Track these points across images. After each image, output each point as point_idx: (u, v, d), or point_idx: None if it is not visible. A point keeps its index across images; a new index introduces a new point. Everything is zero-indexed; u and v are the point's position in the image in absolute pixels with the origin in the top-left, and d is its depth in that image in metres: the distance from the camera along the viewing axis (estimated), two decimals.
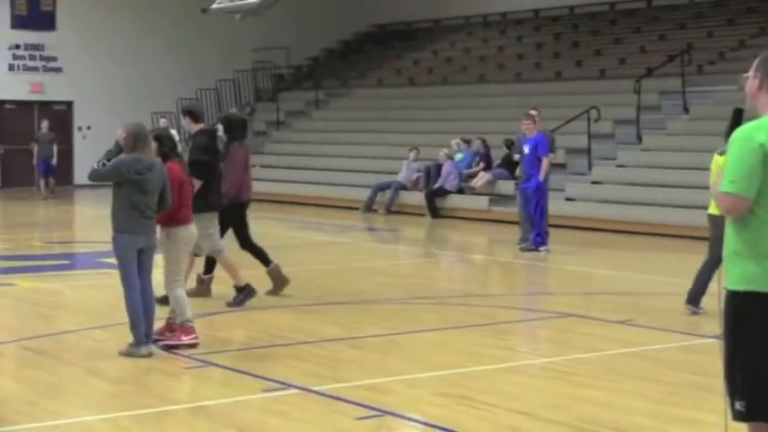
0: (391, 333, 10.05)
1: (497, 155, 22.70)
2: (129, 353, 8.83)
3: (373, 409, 7.26)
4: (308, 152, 28.28)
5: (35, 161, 27.67)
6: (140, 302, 8.84)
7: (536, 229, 16.42)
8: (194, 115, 11.36)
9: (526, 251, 16.34)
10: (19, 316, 11.29)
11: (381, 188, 23.74)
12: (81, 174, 31.57)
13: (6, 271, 13.79)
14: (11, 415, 7.15)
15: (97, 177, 8.87)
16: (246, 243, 12.03)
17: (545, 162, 16.29)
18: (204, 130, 11.37)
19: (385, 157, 25.79)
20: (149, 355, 8.79)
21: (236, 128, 12.08)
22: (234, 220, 11.86)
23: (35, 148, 27.62)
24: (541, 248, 16.31)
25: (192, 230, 9.48)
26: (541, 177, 16.29)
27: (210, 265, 11.82)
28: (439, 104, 27.77)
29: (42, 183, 27.50)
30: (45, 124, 28.04)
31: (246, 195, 12.01)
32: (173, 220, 9.24)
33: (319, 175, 26.41)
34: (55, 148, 27.56)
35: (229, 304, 11.25)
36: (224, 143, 11.88)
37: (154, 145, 9.19)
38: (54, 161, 27.52)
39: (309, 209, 24.40)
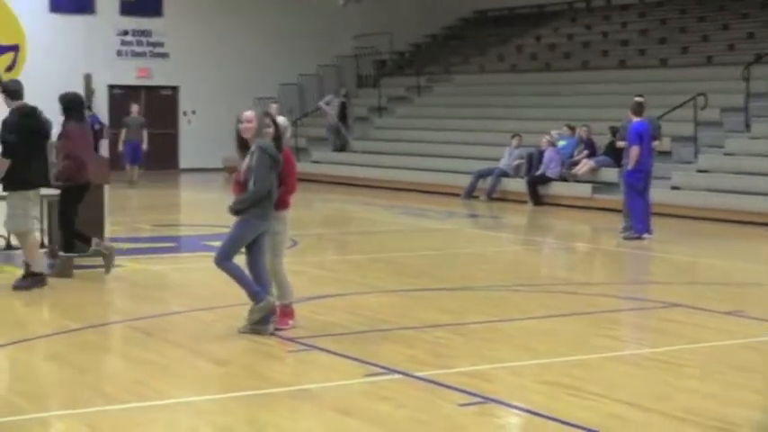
0: (495, 320, 10.01)
1: (601, 142, 22.46)
2: (254, 330, 8.99)
3: (477, 396, 7.23)
4: (410, 138, 28.29)
5: (121, 146, 26.46)
6: (239, 266, 9.01)
7: (634, 217, 16.27)
8: (9, 93, 11.34)
9: (629, 239, 16.16)
10: (127, 297, 11.51)
11: (483, 175, 23.65)
12: (186, 158, 32.07)
13: (115, 252, 13.99)
14: (120, 393, 7.28)
15: (262, 188, 8.82)
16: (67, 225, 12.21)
17: (632, 151, 16.15)
18: (17, 108, 11.25)
19: (487, 143, 25.69)
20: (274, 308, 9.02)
21: (71, 107, 12.11)
22: (67, 200, 12.06)
23: (123, 133, 26.52)
24: (645, 236, 16.14)
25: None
26: (630, 166, 16.24)
27: (71, 244, 12.07)
28: (541, 91, 27.54)
29: (128, 168, 26.05)
30: (135, 108, 27.09)
31: (84, 176, 12.07)
32: (283, 203, 9.32)
33: (421, 161, 26.40)
34: (145, 134, 26.37)
35: (16, 286, 11.30)
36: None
37: (271, 129, 9.20)
38: (144, 146, 26.28)
39: (411, 195, 24.42)
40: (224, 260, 9.01)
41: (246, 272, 9.05)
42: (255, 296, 8.99)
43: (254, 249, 9.08)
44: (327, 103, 29.56)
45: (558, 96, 26.74)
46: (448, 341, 9.06)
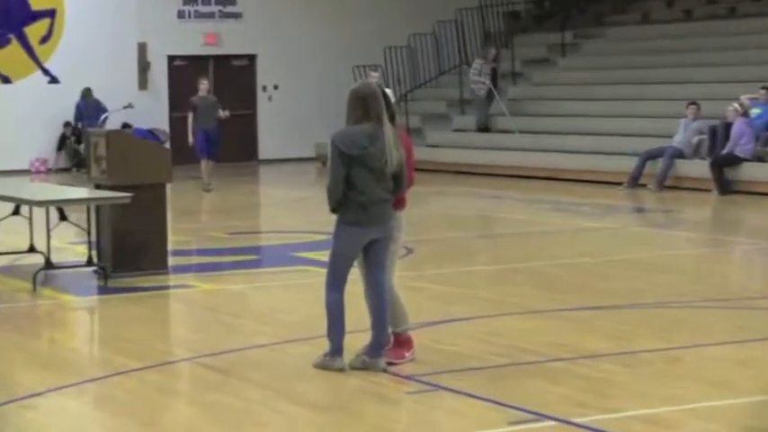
0: (675, 347, 9.93)
1: None
2: (322, 365, 9.06)
3: None
4: (553, 112, 28.17)
5: (191, 136, 23.98)
6: (341, 305, 9.01)
7: None
8: None
9: None
10: (197, 327, 11.62)
11: (651, 156, 23.45)
12: (267, 145, 32.32)
13: (182, 269, 14.17)
14: None
15: (331, 185, 8.85)
16: None
17: None
18: None
19: (654, 115, 25.47)
20: (343, 369, 8.99)
21: None
22: None
23: (190, 118, 24.13)
24: None
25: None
26: None
27: None
28: (726, 44, 27.22)
29: (203, 165, 24.16)
30: (204, 85, 24.77)
31: None
32: (398, 202, 9.20)
33: (568, 141, 26.25)
34: (220, 116, 24.33)
35: None
36: None
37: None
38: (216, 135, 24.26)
39: (555, 184, 24.35)
40: (327, 287, 9.07)
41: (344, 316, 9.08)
42: (331, 348, 9.06)
43: (367, 263, 9.06)
44: (480, 73, 29.00)
45: (747, 50, 26.39)
46: (613, 376, 9.01)
